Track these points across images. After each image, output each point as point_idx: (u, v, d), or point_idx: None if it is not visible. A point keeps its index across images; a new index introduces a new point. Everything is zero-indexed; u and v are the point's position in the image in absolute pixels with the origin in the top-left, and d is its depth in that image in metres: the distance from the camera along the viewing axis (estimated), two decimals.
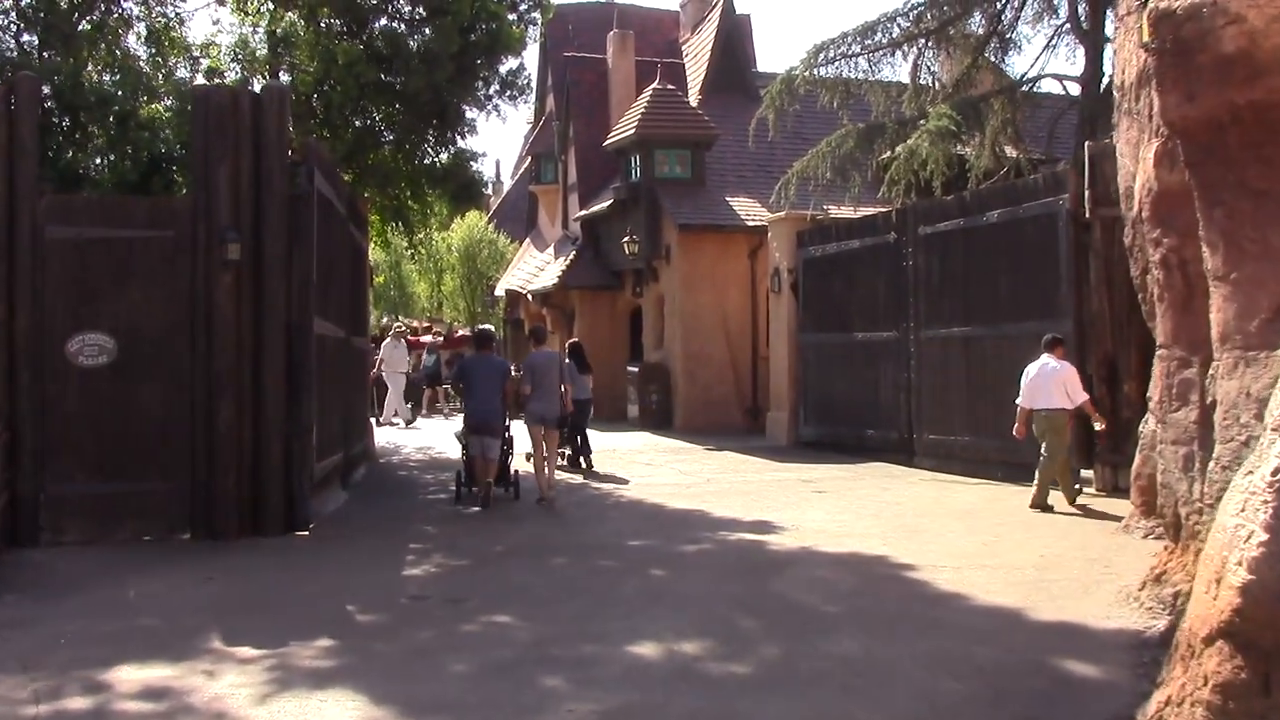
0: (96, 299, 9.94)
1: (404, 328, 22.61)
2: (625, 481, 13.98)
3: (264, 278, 10.23)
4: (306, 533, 10.19)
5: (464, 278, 32.43)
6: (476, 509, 11.80)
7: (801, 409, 17.95)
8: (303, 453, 10.35)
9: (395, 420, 22.51)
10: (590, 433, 19.70)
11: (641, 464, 15.88)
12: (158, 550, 9.54)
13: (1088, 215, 12.54)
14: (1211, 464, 6.03)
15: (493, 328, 28.90)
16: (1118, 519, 10.32)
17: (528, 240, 29.70)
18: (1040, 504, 11.25)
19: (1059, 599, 7.39)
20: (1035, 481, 11.46)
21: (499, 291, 29.50)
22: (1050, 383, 11.47)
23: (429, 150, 16.29)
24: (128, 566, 8.83)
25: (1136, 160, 7.46)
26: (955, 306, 14.38)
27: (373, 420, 21.60)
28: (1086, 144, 12.78)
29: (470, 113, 15.62)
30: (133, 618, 7.32)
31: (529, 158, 29.11)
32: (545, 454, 12.51)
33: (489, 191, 54.72)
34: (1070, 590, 7.64)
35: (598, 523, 10.92)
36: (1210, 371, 6.31)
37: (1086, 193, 12.58)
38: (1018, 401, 11.77)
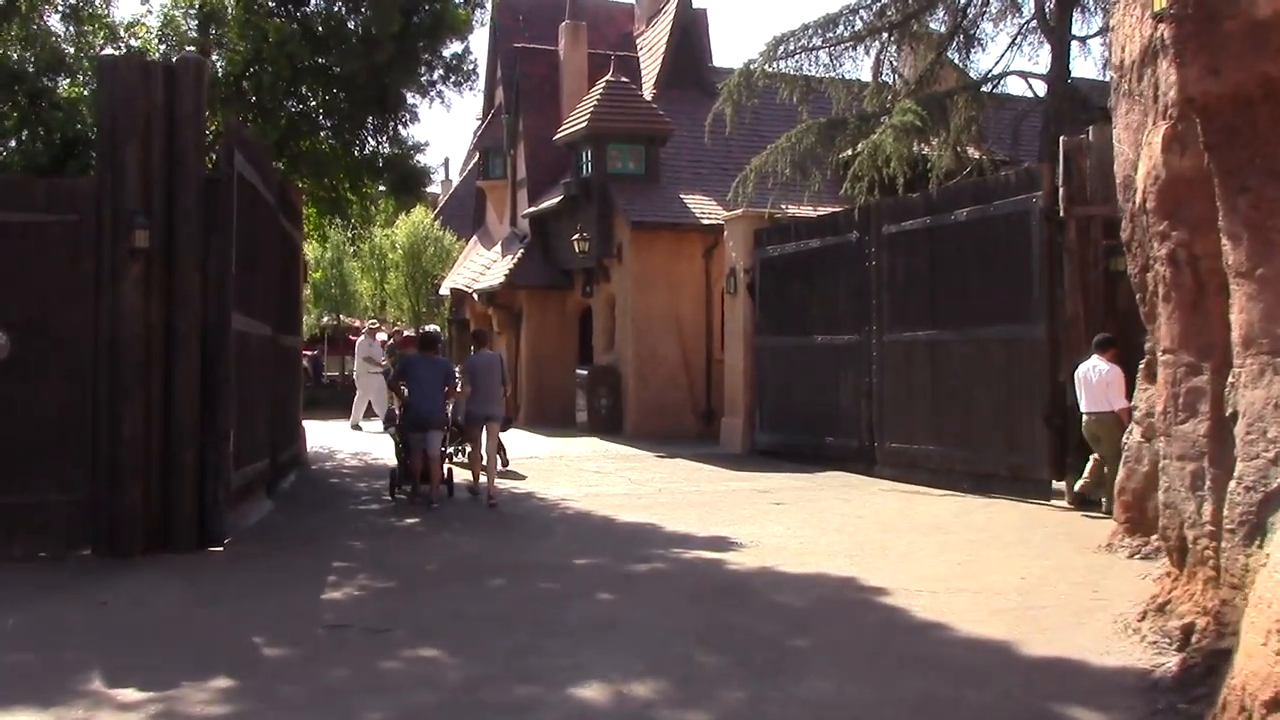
0: None
1: (377, 323, 21.35)
2: (569, 493, 13.14)
3: (176, 268, 9.33)
4: (221, 549, 9.28)
5: (408, 276, 31.39)
6: (411, 520, 10.98)
7: (757, 415, 17.23)
8: (218, 461, 9.44)
9: (361, 425, 21.06)
10: (534, 438, 18.96)
11: (591, 471, 15.07)
12: (51, 570, 8.60)
13: (1062, 214, 11.93)
14: (1233, 484, 5.33)
15: (438, 329, 28.12)
16: (1096, 533, 9.70)
17: (474, 238, 28.75)
18: (1085, 496, 11.23)
19: (1049, 630, 6.67)
20: (1083, 478, 11.20)
21: (444, 290, 28.52)
22: (1096, 386, 10.90)
23: (369, 138, 15.42)
24: (13, 589, 7.90)
25: (1137, 146, 6.77)
26: (920, 309, 13.71)
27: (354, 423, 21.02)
28: (1061, 139, 12.16)
29: (412, 99, 14.83)
30: (6, 651, 6.41)
31: (477, 153, 28.15)
32: (484, 455, 12.43)
33: (435, 187, 53.73)
34: (1060, 619, 6.93)
35: (542, 538, 10.10)
36: (1230, 380, 5.62)
37: (1061, 190, 11.98)
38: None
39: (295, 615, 7.22)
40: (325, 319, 33.46)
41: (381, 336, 22.35)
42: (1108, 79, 20.27)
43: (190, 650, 6.40)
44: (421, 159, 15.57)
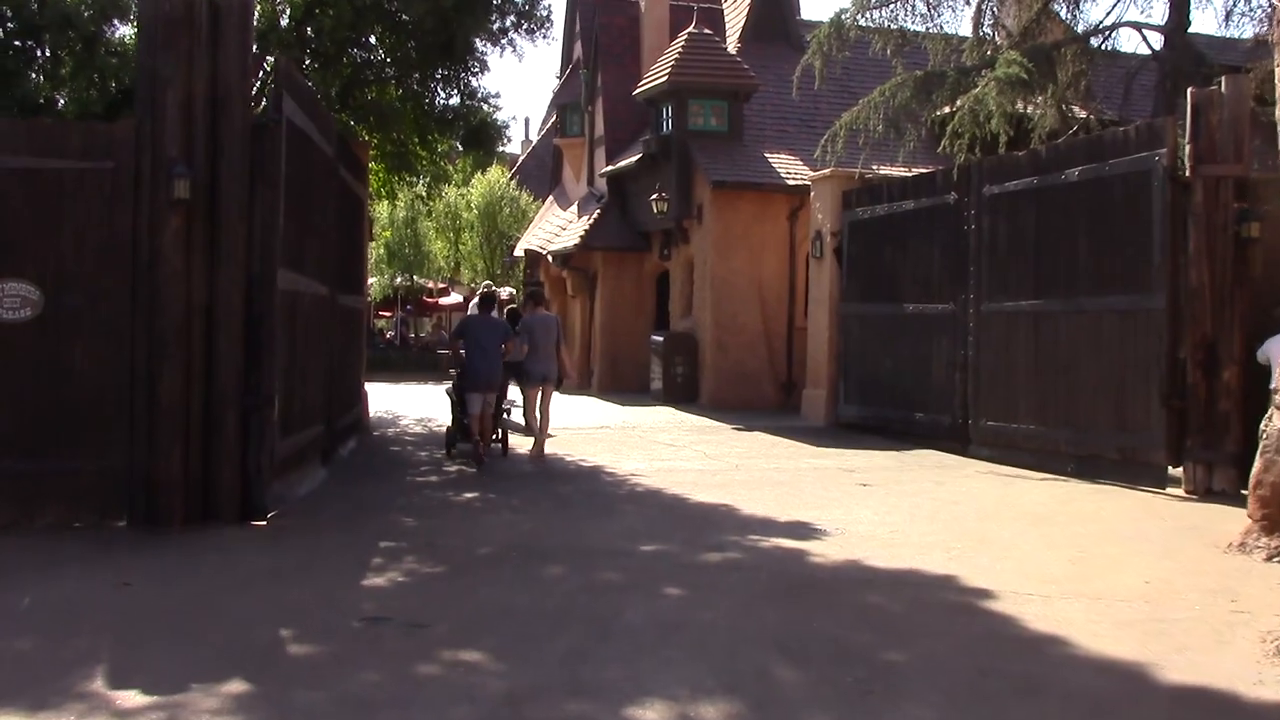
0: (20, 241, 8.38)
1: (493, 287, 19.73)
2: (640, 467, 12.35)
3: (219, 221, 8.63)
4: (265, 523, 8.64)
5: (483, 237, 30.76)
6: (470, 495, 10.31)
7: (841, 387, 16.28)
8: (262, 427, 8.77)
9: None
10: (607, 406, 18.20)
11: (663, 444, 14.27)
12: (82, 541, 8.01)
13: (1188, 174, 10.83)
14: None
15: (495, 289, 27.49)
16: (1223, 529, 8.69)
17: (550, 198, 27.98)
18: None
19: (1188, 650, 5.73)
20: None
21: (518, 252, 27.80)
22: None
23: (438, 90, 14.66)
24: (39, 561, 7.34)
25: None
26: (1024, 277, 12.65)
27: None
28: (1190, 90, 11.01)
29: (482, 47, 14.01)
30: (11, 636, 5.79)
31: (554, 110, 27.34)
32: (543, 415, 12.77)
33: (515, 146, 53.01)
34: (1198, 636, 5.98)
35: (606, 518, 9.32)
36: None
37: (1187, 148, 10.88)
38: None
39: (331, 604, 6.52)
40: (399, 279, 32.99)
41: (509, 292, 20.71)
42: (1230, 33, 18.97)
43: (209, 644, 5.72)
44: (493, 112, 14.75)
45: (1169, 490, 10.72)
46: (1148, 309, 11.07)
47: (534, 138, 42.57)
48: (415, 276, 32.79)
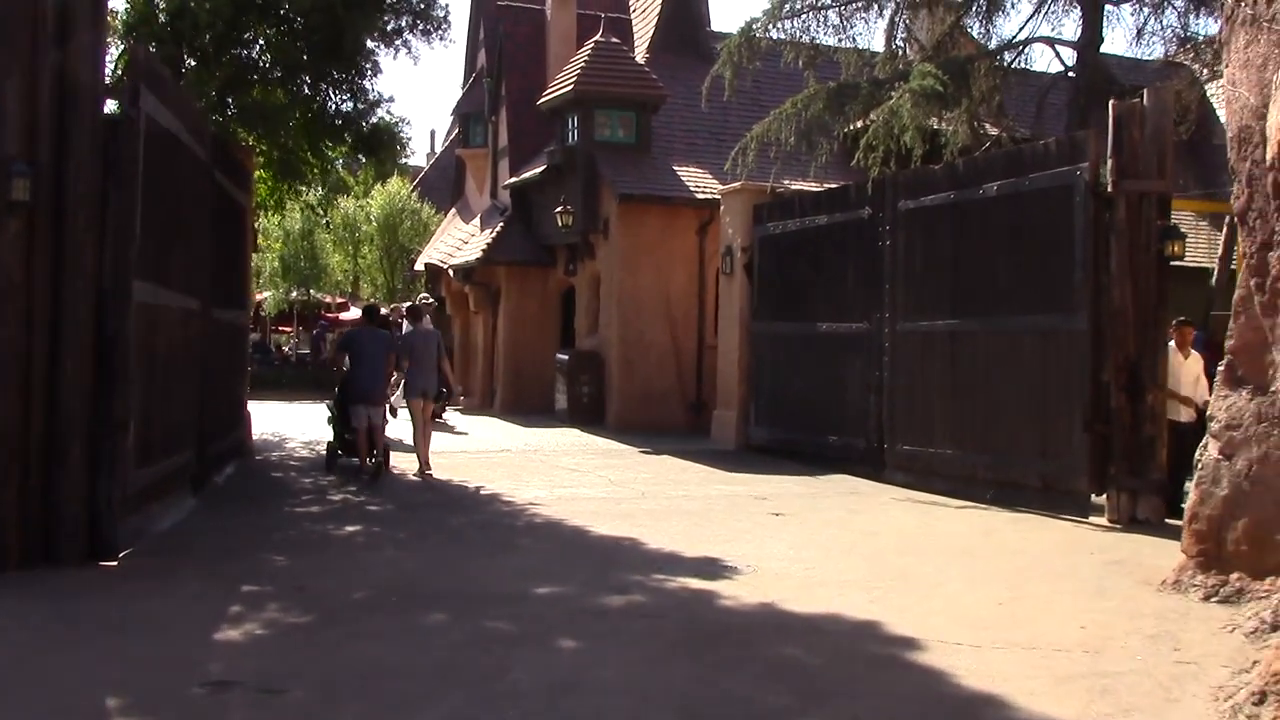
0: None
1: (430, 299, 18.85)
2: (540, 495, 11.60)
3: (67, 227, 7.73)
4: (115, 563, 7.74)
5: (384, 250, 29.72)
6: (351, 529, 9.47)
7: (752, 408, 15.70)
8: (113, 456, 7.88)
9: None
10: (509, 427, 17.42)
11: (566, 469, 13.53)
12: None
13: (1110, 189, 10.41)
14: None
15: (434, 301, 26.59)
16: (1154, 564, 8.22)
17: (453, 210, 27.07)
18: None
19: (1136, 711, 5.15)
20: None
21: (419, 266, 26.85)
22: None
23: (328, 92, 13.77)
24: None
25: (1265, 89, 5.24)
26: (941, 295, 12.18)
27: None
28: (1112, 103, 10.61)
29: (374, 47, 13.17)
30: None
31: (457, 121, 26.46)
32: (423, 428, 12.77)
33: (415, 156, 51.76)
34: (1145, 694, 5.40)
35: (500, 554, 8.55)
36: None
37: (1109, 162, 10.46)
38: None
39: (172, 664, 5.66)
40: (294, 294, 31.73)
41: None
42: (1139, 53, 18.86)
43: (17, 714, 4.86)
44: (387, 116, 13.91)
45: (1092, 519, 10.27)
46: (1069, 329, 10.63)
47: (440, 150, 41.59)
48: (312, 291, 31.60)
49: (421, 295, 18.97)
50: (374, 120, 13.79)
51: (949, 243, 12.13)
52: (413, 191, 31.79)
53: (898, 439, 12.76)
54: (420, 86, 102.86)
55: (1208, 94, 21.95)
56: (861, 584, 7.68)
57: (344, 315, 32.72)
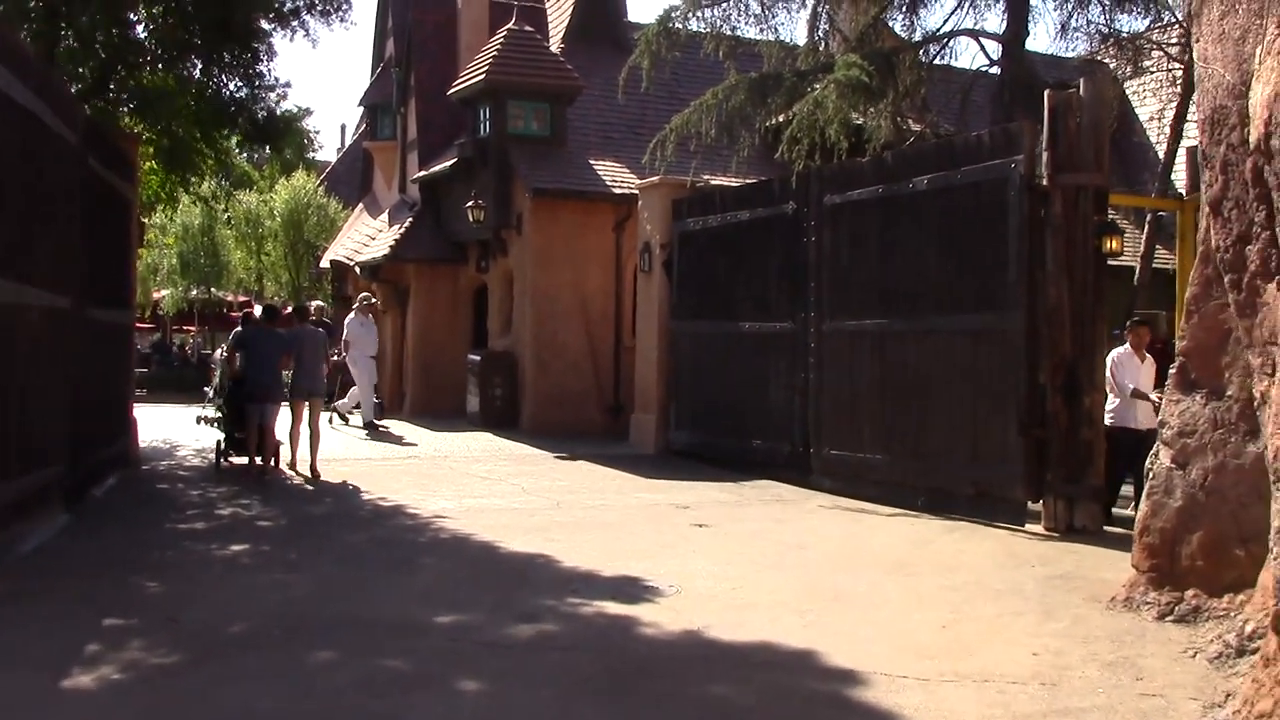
0: None
1: (371, 298, 17.95)
2: (447, 507, 10.86)
3: None
4: None
5: (288, 247, 28.58)
6: (237, 548, 8.65)
7: (673, 411, 15.09)
8: None
9: (352, 414, 17.81)
10: (419, 432, 16.62)
11: (477, 477, 12.78)
12: None
13: (1046, 182, 9.96)
14: None
15: (323, 305, 25.53)
16: (1100, 578, 7.77)
17: (360, 206, 26.08)
18: None
19: None
20: None
21: (324, 263, 25.80)
22: None
23: (221, 76, 12.86)
24: None
25: (1242, 63, 4.72)
26: (869, 294, 11.67)
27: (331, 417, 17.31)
28: (1047, 92, 10.16)
29: (268, 28, 12.31)
30: None
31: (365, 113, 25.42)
32: (311, 428, 12.66)
33: (319, 146, 50.36)
34: None
35: (399, 576, 7.81)
36: None
37: (1045, 155, 10.01)
38: None
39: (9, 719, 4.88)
40: (194, 292, 30.41)
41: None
42: (1063, 48, 18.60)
43: None
44: (284, 103, 13.04)
45: (1028, 528, 9.82)
46: (1004, 329, 10.18)
47: (349, 143, 40.40)
48: (213, 289, 30.33)
49: (363, 294, 17.95)
50: (270, 107, 12.91)
51: (877, 239, 11.63)
52: (319, 186, 30.66)
53: (824, 443, 12.24)
54: (330, 78, 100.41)
55: (1127, 92, 21.92)
56: (793, 605, 7.08)
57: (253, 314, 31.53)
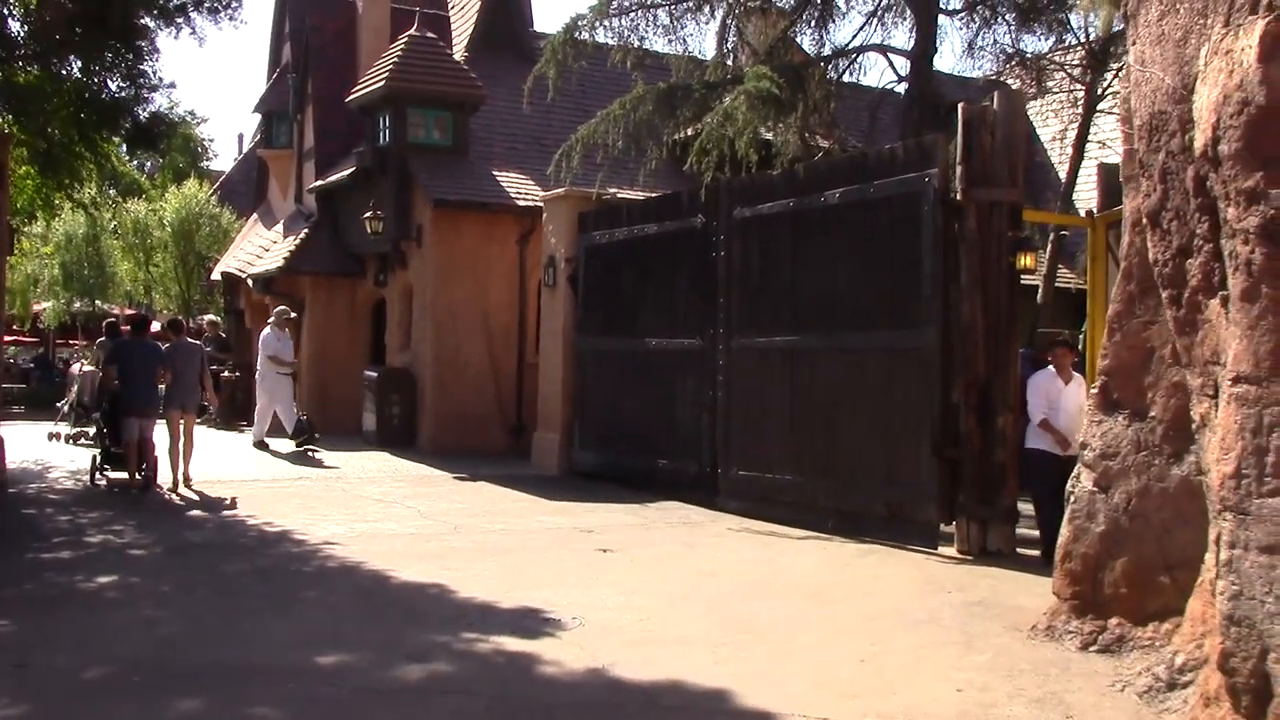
0: None
1: (288, 310, 17.10)
2: (338, 532, 10.26)
3: None
4: None
5: (179, 258, 27.49)
6: (104, 579, 7.97)
7: (577, 430, 14.62)
8: None
9: (268, 443, 16.24)
10: (318, 453, 15.94)
11: (372, 500, 12.17)
12: None
13: (960, 197, 9.76)
14: None
15: (217, 319, 24.65)
16: (1018, 604, 7.50)
17: (254, 216, 25.15)
18: None
19: None
20: None
21: (216, 275, 24.82)
22: None
23: (103, 75, 12.10)
24: None
25: (1182, 65, 4.44)
26: (780, 310, 11.35)
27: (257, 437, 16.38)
28: (961, 105, 9.98)
29: (152, 25, 11.60)
30: None
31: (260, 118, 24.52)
32: (182, 442, 12.61)
33: (214, 155, 49.01)
34: None
35: (280, 612, 7.22)
36: None
37: (959, 168, 9.83)
38: None
39: None
40: (78, 304, 29.11)
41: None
42: (968, 67, 18.62)
43: None
44: (168, 103, 12.33)
45: (941, 550, 9.56)
46: (917, 347, 9.92)
47: (246, 151, 39.29)
48: (98, 301, 29.06)
49: (280, 307, 16.98)
50: (152, 108, 12.19)
51: (788, 254, 11.32)
52: (212, 195, 29.57)
53: (733, 463, 11.88)
54: (227, 85, 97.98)
55: (1029, 112, 22.05)
56: (705, 638, 6.67)
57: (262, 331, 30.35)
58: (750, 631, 6.89)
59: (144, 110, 12.19)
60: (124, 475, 12.28)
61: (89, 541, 9.44)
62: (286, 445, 15.99)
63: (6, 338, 31.18)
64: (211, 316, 26.65)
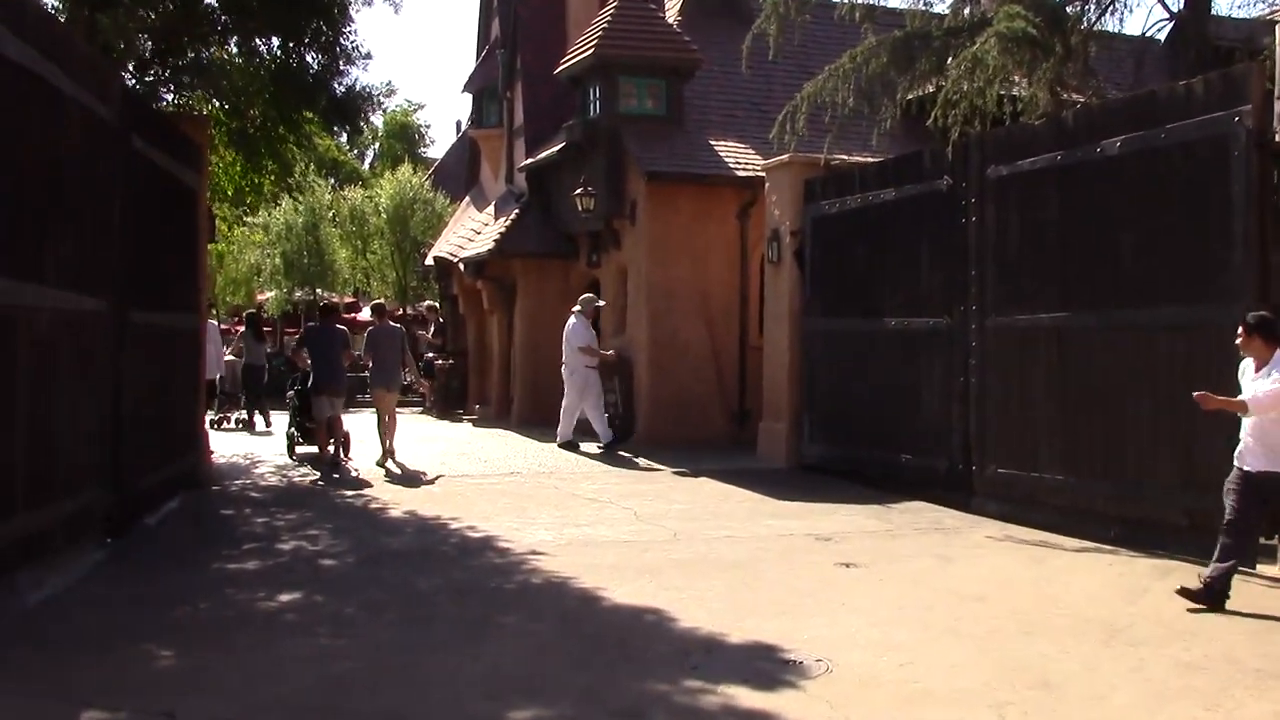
0: None
1: (595, 301, 15.60)
2: (545, 539, 9.27)
3: None
4: None
5: (394, 245, 27.42)
6: (287, 597, 7.16)
7: (806, 420, 13.30)
8: None
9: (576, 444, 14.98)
10: (524, 443, 15.17)
11: (584, 499, 11.18)
12: None
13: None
14: None
15: (435, 304, 24.41)
16: None
17: (466, 199, 24.73)
18: None
19: None
20: None
21: (428, 260, 24.48)
22: None
23: (294, 48, 11.48)
24: None
25: None
26: (1045, 282, 9.76)
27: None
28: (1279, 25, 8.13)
29: None
30: None
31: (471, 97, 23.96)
32: (387, 420, 13.61)
33: (431, 141, 49.48)
34: None
35: (472, 642, 6.20)
36: None
37: (1278, 105, 7.99)
38: None
39: None
40: (299, 293, 29.45)
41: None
42: (1249, 8, 16.27)
43: None
44: (360, 75, 11.67)
45: (1262, 569, 7.82)
46: (1225, 324, 8.14)
47: (460, 135, 39.35)
48: (319, 290, 29.35)
49: (586, 295, 15.34)
50: (347, 81, 11.50)
51: (1055, 216, 9.71)
52: (427, 180, 29.41)
53: (990, 460, 10.35)
54: (445, 73, 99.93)
55: None
56: (985, 694, 5.29)
57: (358, 316, 30.65)
58: (1042, 685, 5.46)
59: (340, 84, 11.52)
60: (314, 449, 13.39)
61: (280, 549, 8.71)
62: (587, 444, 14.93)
63: (236, 328, 32.08)
64: (430, 302, 26.46)
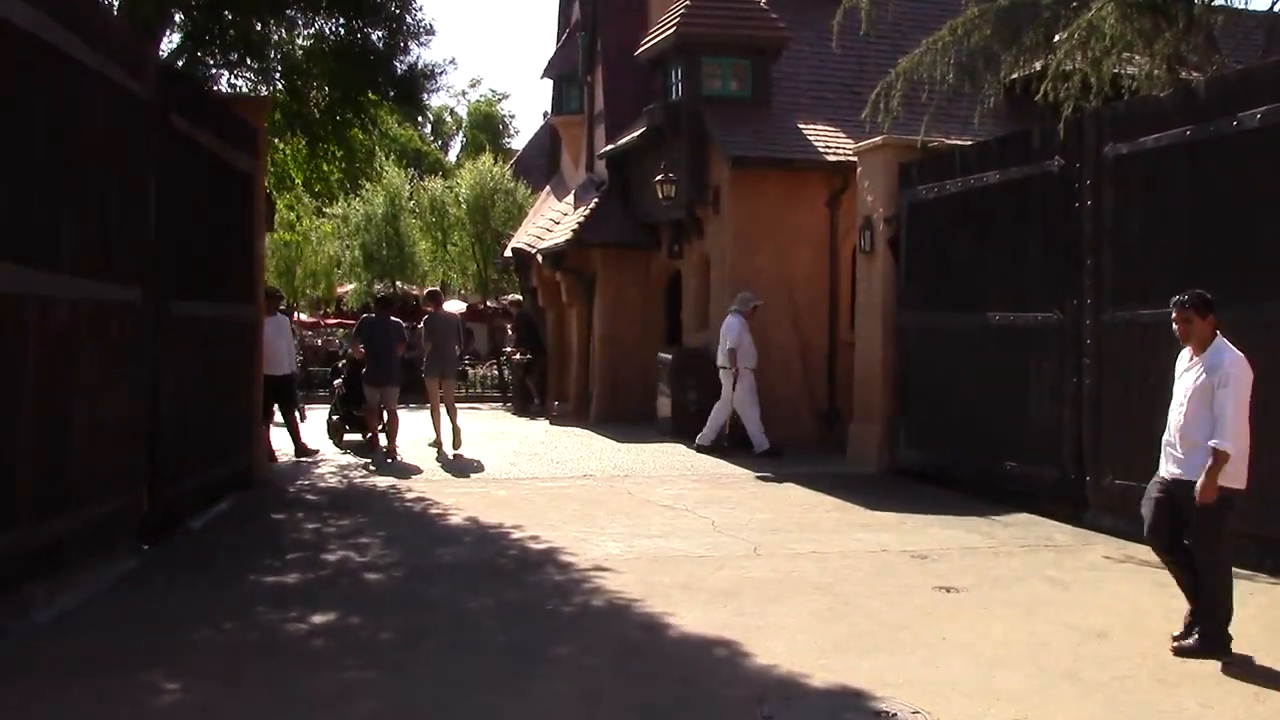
0: None
1: (753, 299, 14.17)
2: (612, 552, 8.50)
3: None
4: None
5: (474, 236, 26.90)
6: (320, 618, 6.47)
7: (901, 422, 12.37)
8: None
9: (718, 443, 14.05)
10: (600, 443, 14.46)
11: (658, 506, 10.40)
12: None
13: None
14: None
15: (520, 298, 23.84)
16: None
17: (547, 188, 24.06)
18: None
19: None
20: None
21: (507, 252, 23.84)
22: None
23: (354, 23, 10.86)
24: None
25: None
26: (1172, 273, 8.66)
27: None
28: None
29: None
30: None
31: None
32: (442, 404, 13.98)
33: (515, 132, 49.00)
34: None
35: (517, 677, 5.44)
36: None
37: None
38: None
39: None
40: (378, 286, 29.06)
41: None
42: None
43: None
44: (424, 52, 11.02)
45: None
46: None
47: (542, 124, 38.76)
48: (399, 282, 28.96)
49: (743, 293, 14.18)
50: (409, 59, 10.84)
51: (1184, 200, 8.68)
52: (508, 169, 28.83)
53: (1105, 470, 9.34)
54: (529, 62, 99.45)
55: None
56: None
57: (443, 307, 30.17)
58: None
59: (402, 61, 10.87)
60: (359, 436, 14.10)
61: (325, 559, 8.06)
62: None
63: (317, 320, 31.91)
64: (515, 296, 25.94)
